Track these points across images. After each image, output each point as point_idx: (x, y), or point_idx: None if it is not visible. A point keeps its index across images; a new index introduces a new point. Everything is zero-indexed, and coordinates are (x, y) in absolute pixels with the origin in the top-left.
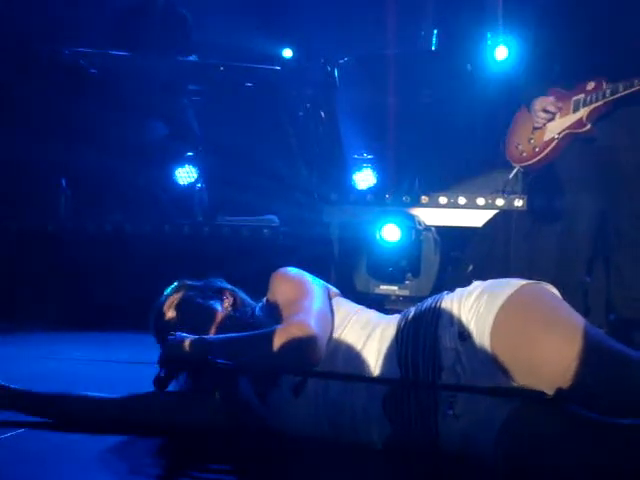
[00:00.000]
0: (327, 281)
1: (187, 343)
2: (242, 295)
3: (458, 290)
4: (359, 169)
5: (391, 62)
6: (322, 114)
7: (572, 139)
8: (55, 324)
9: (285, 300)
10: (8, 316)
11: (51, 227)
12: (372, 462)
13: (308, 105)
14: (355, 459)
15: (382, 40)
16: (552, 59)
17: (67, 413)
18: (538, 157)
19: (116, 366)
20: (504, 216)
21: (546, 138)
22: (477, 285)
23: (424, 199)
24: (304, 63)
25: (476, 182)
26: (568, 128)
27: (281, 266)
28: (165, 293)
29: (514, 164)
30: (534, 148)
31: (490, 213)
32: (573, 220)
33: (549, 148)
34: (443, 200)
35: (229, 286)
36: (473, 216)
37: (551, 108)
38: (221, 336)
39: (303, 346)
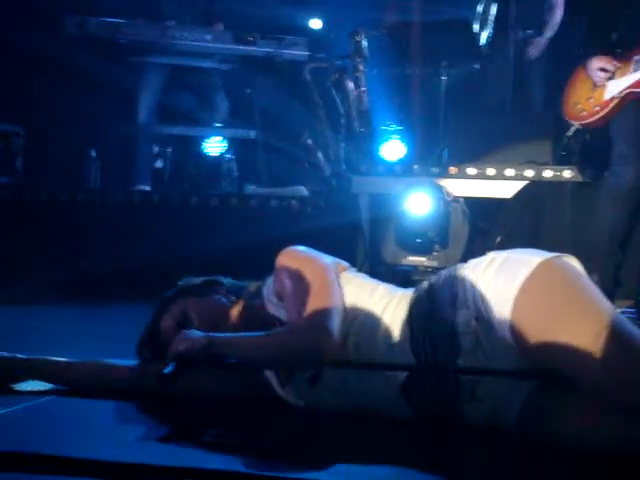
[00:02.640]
0: (355, 252)
1: (195, 340)
2: (242, 283)
3: (472, 263)
4: (387, 140)
5: (421, 31)
6: (351, 85)
7: (632, 99)
8: (82, 295)
9: (294, 287)
10: (35, 287)
11: (81, 197)
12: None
13: (337, 76)
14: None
15: (413, 9)
16: (611, 24)
17: (83, 381)
18: (598, 115)
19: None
20: (534, 187)
21: (606, 97)
22: (493, 259)
23: (452, 170)
24: (333, 34)
25: (505, 153)
26: (630, 87)
27: (309, 237)
28: (160, 309)
29: (573, 122)
30: (594, 107)
31: (519, 184)
32: (614, 191)
33: (609, 107)
34: (472, 171)
35: (224, 279)
36: (502, 187)
37: (609, 67)
38: (232, 335)
39: (320, 351)
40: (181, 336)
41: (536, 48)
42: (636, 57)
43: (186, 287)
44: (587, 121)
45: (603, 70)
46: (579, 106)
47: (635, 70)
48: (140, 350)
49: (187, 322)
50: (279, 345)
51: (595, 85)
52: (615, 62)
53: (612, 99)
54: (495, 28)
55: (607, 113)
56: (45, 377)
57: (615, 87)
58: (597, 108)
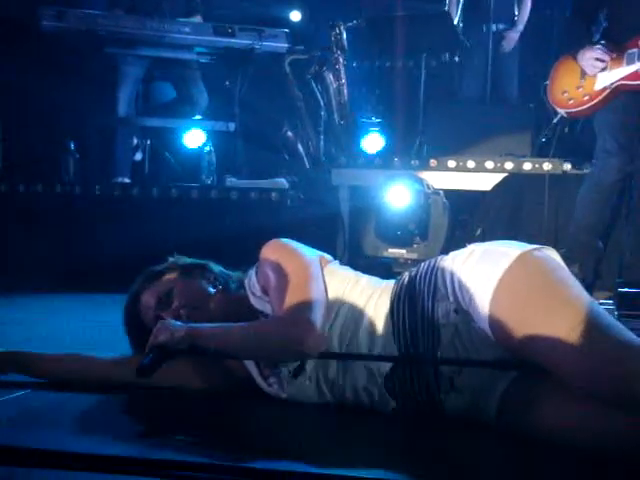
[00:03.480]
0: (335, 245)
1: (175, 330)
2: (229, 272)
3: (452, 255)
4: (367, 133)
5: (401, 24)
6: (330, 77)
7: (621, 91)
8: (62, 287)
9: (277, 279)
10: (13, 279)
11: (59, 189)
12: (374, 423)
13: (316, 68)
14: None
15: (392, 2)
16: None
17: (68, 374)
18: (587, 105)
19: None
20: (513, 179)
21: (597, 87)
22: (473, 250)
23: (433, 163)
24: (312, 26)
25: (485, 145)
26: (622, 79)
27: (289, 229)
28: (145, 280)
29: (559, 110)
30: (583, 96)
31: (499, 176)
32: (597, 184)
33: (600, 97)
34: (452, 164)
35: (214, 266)
36: (482, 179)
37: (605, 57)
38: (213, 325)
39: (304, 344)
40: (160, 326)
41: (509, 42)
42: (629, 50)
43: (176, 265)
44: (575, 110)
45: (599, 60)
46: (567, 94)
47: (628, 63)
48: (124, 323)
49: (168, 299)
50: (261, 337)
51: (585, 74)
52: (611, 53)
53: (603, 89)
54: (470, 21)
55: (596, 104)
56: (21, 370)
57: (607, 78)
58: (586, 97)
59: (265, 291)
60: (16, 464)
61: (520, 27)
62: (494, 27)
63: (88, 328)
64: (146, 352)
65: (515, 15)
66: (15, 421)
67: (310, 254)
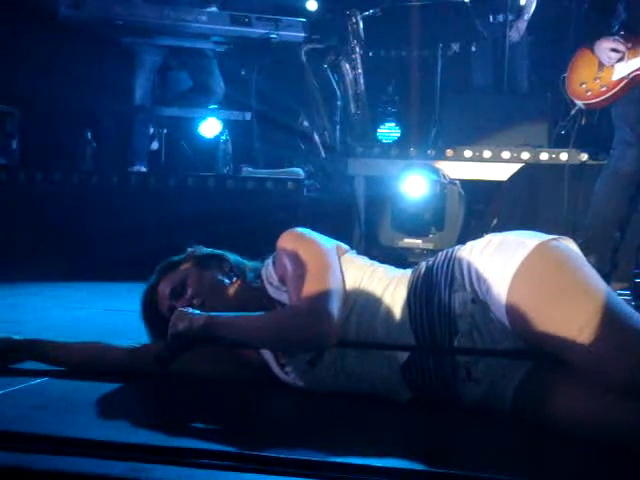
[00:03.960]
0: (351, 235)
1: (194, 319)
2: (246, 262)
3: (469, 245)
4: (384, 122)
5: (417, 13)
6: (347, 67)
7: (639, 82)
8: (78, 276)
9: (295, 269)
10: (30, 267)
11: (77, 179)
12: (391, 413)
13: (333, 58)
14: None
15: None
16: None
17: (86, 363)
18: (605, 96)
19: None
20: (530, 169)
21: (615, 78)
22: (490, 240)
23: (449, 152)
24: (329, 15)
25: (501, 135)
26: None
27: (305, 219)
28: (161, 270)
29: (577, 102)
30: (601, 87)
31: (516, 166)
32: (615, 174)
33: (617, 88)
34: (468, 153)
35: (231, 256)
36: (498, 169)
37: (621, 48)
38: (230, 315)
39: (321, 334)
40: (179, 314)
41: (517, 31)
42: None
43: (193, 255)
44: (593, 101)
45: (614, 51)
46: (585, 86)
47: None
48: (141, 311)
49: (183, 290)
50: (279, 327)
51: (602, 65)
52: (627, 44)
53: (621, 80)
54: (478, 11)
55: (614, 94)
56: (40, 358)
57: (624, 69)
58: (604, 88)
59: (283, 281)
60: (35, 451)
61: (526, 16)
62: (501, 17)
63: (105, 317)
64: (165, 341)
65: (520, 5)
66: (33, 408)
67: (327, 243)
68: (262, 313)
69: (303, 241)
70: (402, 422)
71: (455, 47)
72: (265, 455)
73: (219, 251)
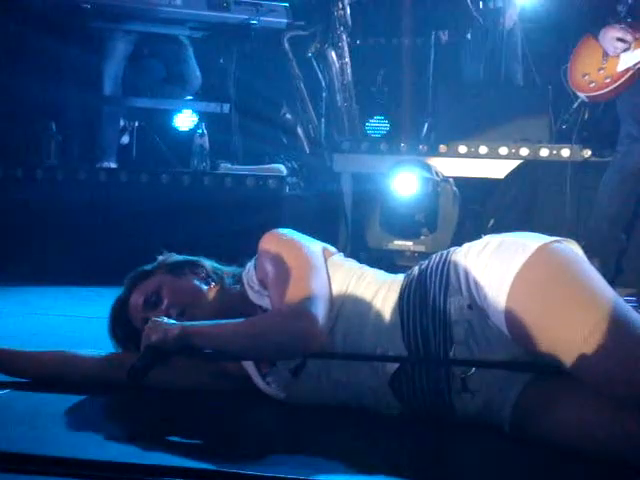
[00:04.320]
0: (337, 236)
1: (168, 329)
2: (223, 267)
3: (465, 247)
4: (372, 116)
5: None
6: (333, 56)
7: None
8: (39, 278)
9: (277, 272)
10: None
11: (40, 174)
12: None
13: (318, 46)
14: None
15: None
16: None
17: (51, 373)
18: (609, 88)
19: (97, 322)
20: (529, 166)
21: (620, 69)
22: (488, 242)
23: (442, 148)
24: (314, 1)
25: (499, 130)
26: None
27: (288, 219)
28: (132, 281)
29: (579, 94)
30: (605, 78)
31: (513, 163)
32: (621, 172)
33: (623, 79)
34: (463, 149)
35: (206, 261)
36: (495, 166)
37: (627, 37)
38: (207, 323)
39: (305, 339)
40: (152, 325)
41: (508, 19)
42: None
43: (165, 263)
44: (596, 93)
45: (621, 40)
46: (587, 77)
47: None
48: (109, 326)
49: (158, 300)
50: (259, 333)
51: (607, 55)
52: (635, 32)
53: (627, 71)
54: None
55: (619, 86)
56: (2, 369)
57: (630, 59)
58: (608, 80)
59: (264, 285)
60: None
61: (515, 3)
62: (492, 4)
63: (71, 324)
64: (140, 353)
65: None
66: None
67: (312, 245)
68: (241, 320)
69: (286, 242)
70: (390, 437)
71: (448, 35)
72: (245, 473)
73: (193, 257)
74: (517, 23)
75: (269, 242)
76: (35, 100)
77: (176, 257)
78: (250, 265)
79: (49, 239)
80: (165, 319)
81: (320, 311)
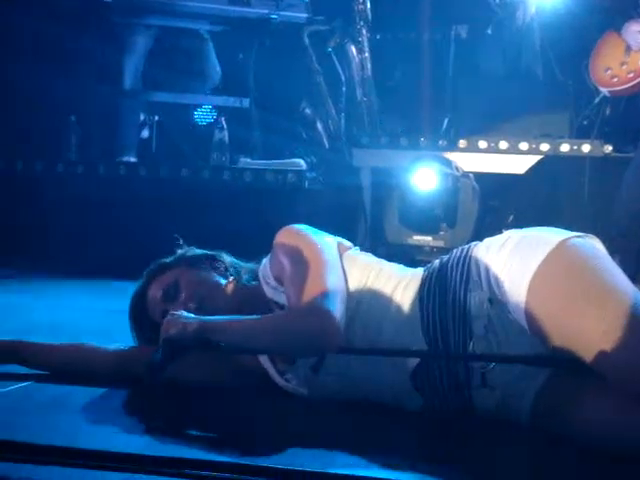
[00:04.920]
0: (356, 231)
1: (187, 324)
2: (241, 263)
3: (487, 241)
4: (392, 110)
5: None
6: (353, 50)
7: None
8: (58, 272)
9: (292, 268)
10: (9, 262)
11: (60, 168)
12: (399, 421)
13: (338, 40)
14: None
15: None
16: None
17: (71, 366)
18: (632, 83)
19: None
20: (550, 162)
21: None
22: (509, 237)
23: (462, 143)
24: None
25: (519, 125)
26: None
27: (306, 213)
28: (151, 274)
29: (601, 89)
30: (628, 73)
31: (534, 159)
32: None
33: None
34: (483, 144)
35: (225, 256)
36: (515, 162)
37: None
38: (226, 318)
39: (323, 336)
40: (171, 318)
41: (525, 13)
42: None
43: (184, 257)
44: (618, 88)
45: None
46: (610, 72)
47: None
48: (129, 319)
49: (176, 292)
50: (278, 330)
51: (630, 50)
52: None
53: None
54: None
55: None
56: (23, 361)
57: None
58: (631, 74)
59: (280, 281)
60: (17, 461)
61: None
62: None
63: (91, 317)
64: (157, 347)
65: None
66: (16, 415)
67: (327, 240)
68: (259, 316)
69: (301, 238)
70: (410, 431)
71: (468, 29)
72: (264, 466)
73: (212, 251)
74: (535, 17)
75: (284, 237)
76: (55, 94)
77: (195, 251)
78: (266, 260)
79: (68, 233)
80: (184, 313)
81: (337, 308)
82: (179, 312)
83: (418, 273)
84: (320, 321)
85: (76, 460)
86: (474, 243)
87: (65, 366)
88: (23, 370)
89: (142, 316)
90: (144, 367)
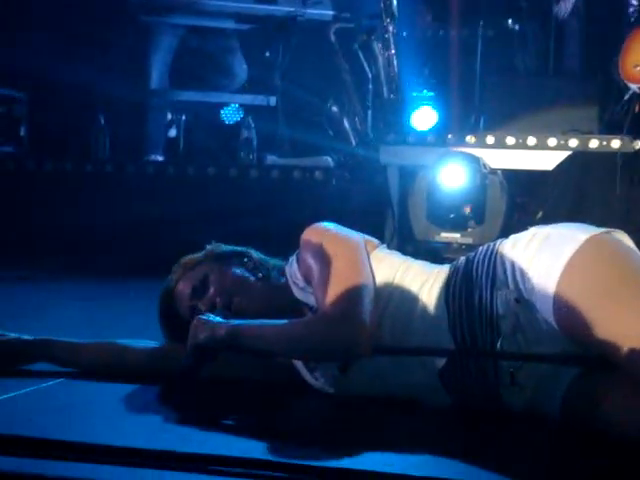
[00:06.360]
0: (383, 228)
1: (215, 328)
2: (269, 260)
3: (512, 238)
4: (419, 107)
5: None
6: (379, 47)
7: None
8: (87, 272)
9: (320, 268)
10: (40, 262)
11: (89, 167)
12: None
13: (364, 37)
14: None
15: None
16: None
17: (101, 365)
18: None
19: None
20: (579, 158)
21: None
22: (535, 233)
23: (490, 139)
24: None
25: (547, 121)
26: None
27: (333, 211)
28: (180, 270)
29: (631, 85)
30: None
31: (562, 154)
32: None
33: None
34: (511, 140)
35: (254, 253)
36: (543, 158)
37: None
38: (254, 323)
39: (354, 344)
40: (198, 323)
41: (564, 5)
42: None
43: (213, 253)
44: None
45: None
46: (639, 68)
47: None
48: (158, 316)
49: (204, 288)
50: (308, 339)
51: None
52: None
53: None
54: None
55: None
56: (54, 359)
57: None
58: None
59: (307, 280)
60: (50, 458)
61: None
62: None
63: (120, 315)
64: (187, 353)
65: None
66: (47, 412)
67: (354, 238)
68: (289, 321)
69: (329, 236)
70: (437, 428)
71: (496, 25)
72: (289, 463)
73: (241, 248)
74: (576, 10)
75: (311, 236)
76: (84, 93)
77: (224, 247)
78: (292, 259)
79: (97, 231)
80: (211, 316)
81: (367, 313)
82: (206, 316)
83: (444, 270)
84: (351, 329)
85: (107, 457)
86: (499, 240)
87: (95, 364)
88: (54, 368)
89: (171, 313)
90: (177, 373)
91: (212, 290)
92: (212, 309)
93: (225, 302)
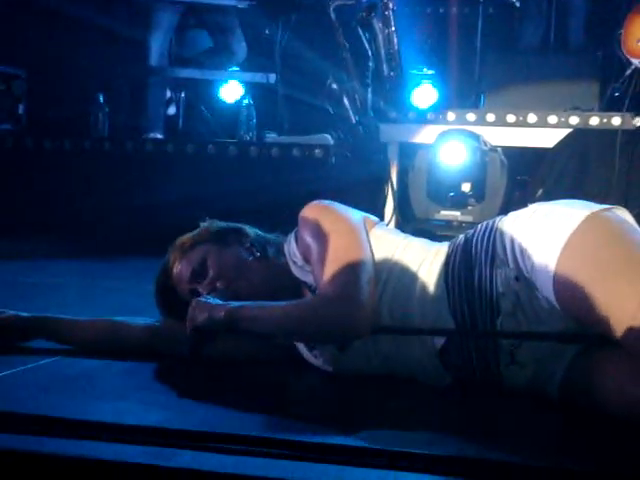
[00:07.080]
0: (383, 206)
1: (213, 310)
2: (266, 236)
3: (512, 215)
4: (419, 85)
5: None
6: (379, 25)
7: None
8: (86, 251)
9: (319, 247)
10: (37, 240)
11: (88, 145)
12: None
13: (364, 15)
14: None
15: None
16: None
17: (99, 342)
18: None
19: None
20: (579, 135)
21: None
22: (536, 211)
23: (490, 117)
24: None
25: (548, 98)
26: None
27: (333, 189)
28: (176, 251)
29: (633, 60)
30: None
31: (563, 132)
32: None
33: None
34: (511, 118)
35: (250, 229)
36: (544, 135)
37: None
38: (252, 305)
39: (353, 325)
40: (196, 306)
41: None
42: None
43: (209, 232)
44: None
45: None
46: None
47: None
48: (155, 296)
49: (204, 271)
50: (307, 320)
51: None
52: None
53: None
54: None
55: None
56: (51, 337)
57: None
58: None
59: (306, 259)
60: (47, 434)
61: None
62: None
63: (120, 293)
64: (186, 333)
65: None
66: (44, 389)
67: (354, 216)
68: (287, 303)
69: (327, 214)
70: (437, 407)
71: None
72: (295, 440)
73: (236, 224)
74: None
75: (310, 213)
76: (83, 72)
77: (219, 223)
78: (291, 236)
79: (95, 210)
80: (210, 298)
81: (365, 293)
82: (205, 297)
83: (443, 248)
84: (350, 310)
85: (105, 434)
86: (499, 217)
87: (92, 341)
88: (51, 345)
89: (170, 293)
90: (188, 356)
91: (211, 273)
92: (211, 292)
93: (224, 284)
